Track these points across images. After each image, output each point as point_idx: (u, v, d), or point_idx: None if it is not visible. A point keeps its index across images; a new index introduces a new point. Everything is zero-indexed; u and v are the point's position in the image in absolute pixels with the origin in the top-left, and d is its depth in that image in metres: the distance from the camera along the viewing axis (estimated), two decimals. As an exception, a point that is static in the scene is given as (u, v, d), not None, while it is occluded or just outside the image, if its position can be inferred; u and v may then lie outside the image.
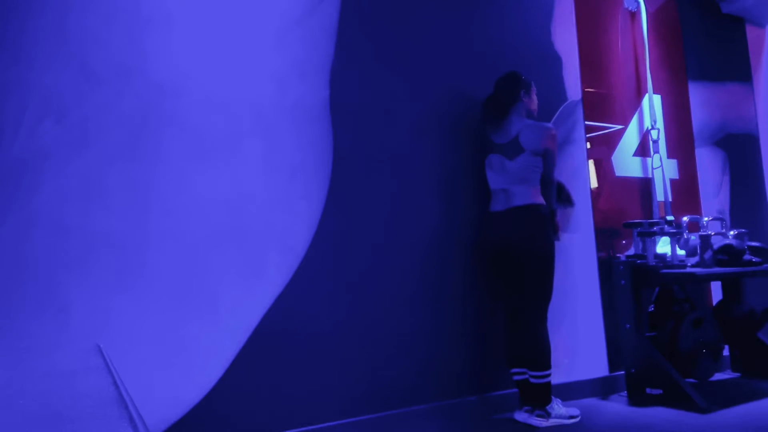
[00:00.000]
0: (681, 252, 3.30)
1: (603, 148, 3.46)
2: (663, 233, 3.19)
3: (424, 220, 2.73)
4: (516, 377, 2.68)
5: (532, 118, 2.77)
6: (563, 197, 3.06)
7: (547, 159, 2.67)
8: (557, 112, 3.23)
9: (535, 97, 2.81)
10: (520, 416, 2.62)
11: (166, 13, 2.26)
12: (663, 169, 3.61)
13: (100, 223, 2.07)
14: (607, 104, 3.51)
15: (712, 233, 3.30)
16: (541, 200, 2.65)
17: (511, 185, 2.65)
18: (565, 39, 3.36)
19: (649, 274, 3.06)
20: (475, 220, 2.86)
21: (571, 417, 2.62)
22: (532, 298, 2.61)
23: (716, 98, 4.14)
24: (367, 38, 2.69)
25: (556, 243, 2.70)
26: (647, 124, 3.66)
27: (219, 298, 2.23)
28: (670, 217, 3.45)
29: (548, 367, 2.57)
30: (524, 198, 2.63)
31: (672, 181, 3.71)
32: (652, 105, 3.67)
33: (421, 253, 2.70)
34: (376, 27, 2.72)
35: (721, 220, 3.63)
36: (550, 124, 2.74)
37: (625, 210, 3.47)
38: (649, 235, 3.14)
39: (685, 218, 3.39)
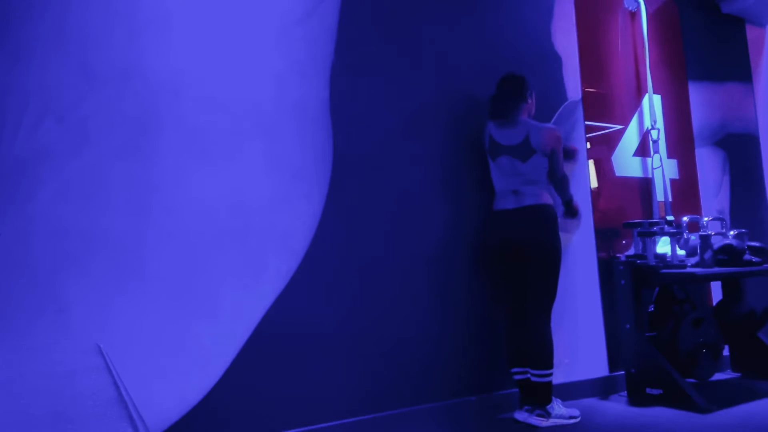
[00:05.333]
0: (681, 252, 3.30)
1: (603, 148, 3.46)
2: (663, 233, 3.19)
3: (424, 220, 2.73)
4: (517, 377, 2.68)
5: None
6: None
7: (554, 158, 2.70)
8: (557, 112, 3.23)
9: (534, 99, 2.83)
10: (520, 416, 2.62)
11: (166, 13, 2.26)
12: (663, 169, 3.61)
13: (100, 223, 2.07)
14: (607, 104, 3.51)
15: (712, 233, 3.30)
16: (550, 201, 2.68)
17: (523, 186, 2.67)
18: (565, 39, 3.36)
19: (649, 274, 3.06)
20: (478, 219, 2.86)
21: (571, 417, 2.62)
22: (539, 296, 2.62)
23: (716, 98, 4.14)
24: (367, 38, 2.69)
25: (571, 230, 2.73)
26: (647, 124, 3.66)
27: (219, 298, 2.23)
28: (670, 217, 3.45)
29: (550, 366, 2.57)
30: (535, 198, 2.64)
31: (672, 181, 3.71)
32: (652, 105, 3.67)
33: (422, 253, 2.70)
34: (376, 27, 2.72)
35: (721, 220, 3.62)
36: (554, 126, 2.77)
37: (625, 210, 3.47)
38: (649, 235, 3.14)
39: (685, 218, 3.39)
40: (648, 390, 3.05)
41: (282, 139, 2.43)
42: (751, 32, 4.51)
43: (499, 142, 2.73)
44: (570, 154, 3.12)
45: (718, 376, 3.41)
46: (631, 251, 3.37)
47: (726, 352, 3.53)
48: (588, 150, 3.37)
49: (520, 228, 2.64)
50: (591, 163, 3.38)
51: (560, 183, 2.77)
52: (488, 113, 2.79)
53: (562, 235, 2.78)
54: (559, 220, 2.72)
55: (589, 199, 3.31)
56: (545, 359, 2.56)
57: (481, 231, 2.85)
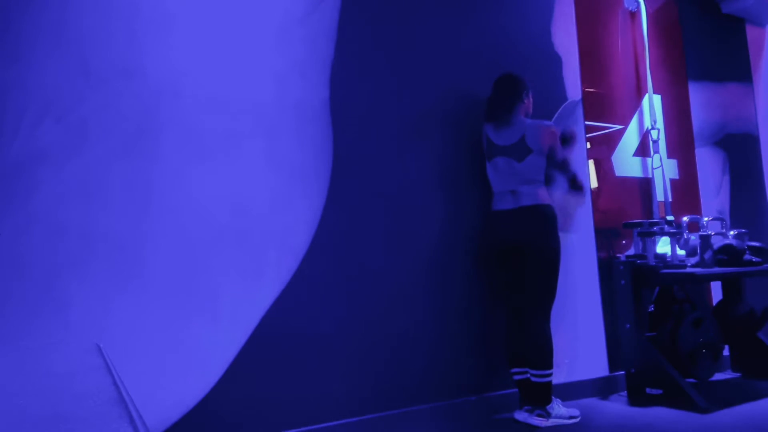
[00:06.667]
0: (681, 252, 3.30)
1: (603, 148, 3.46)
2: (663, 233, 3.19)
3: (424, 220, 2.73)
4: (516, 377, 2.68)
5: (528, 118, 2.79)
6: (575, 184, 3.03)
7: (554, 154, 2.71)
8: (557, 112, 3.23)
9: (531, 99, 2.83)
10: (520, 416, 2.62)
11: (166, 12, 2.26)
12: (663, 169, 3.61)
13: (100, 223, 2.06)
14: (607, 104, 3.51)
15: (712, 233, 3.30)
16: (548, 200, 2.68)
17: (520, 186, 2.67)
18: (565, 39, 3.36)
19: (649, 274, 3.06)
20: (477, 219, 2.86)
21: (571, 417, 2.62)
22: (538, 296, 2.62)
23: (716, 98, 4.14)
24: (367, 38, 2.69)
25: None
26: (647, 124, 3.66)
27: (219, 298, 2.23)
28: (670, 217, 3.45)
29: (550, 366, 2.57)
30: (533, 198, 2.64)
31: (672, 181, 3.71)
32: (652, 105, 3.67)
33: (422, 253, 2.70)
34: (376, 27, 2.72)
35: (721, 220, 3.62)
36: (549, 122, 2.77)
37: (625, 210, 3.47)
38: (649, 235, 3.14)
39: (685, 218, 3.39)
40: (648, 390, 3.05)
41: (282, 139, 2.43)
42: (751, 32, 4.50)
43: (495, 142, 2.73)
44: (568, 139, 3.04)
45: (718, 376, 3.42)
46: (631, 251, 3.37)
47: (726, 352, 3.53)
48: (588, 150, 3.37)
49: (519, 228, 2.64)
50: (591, 163, 3.38)
51: (562, 166, 2.76)
52: (484, 115, 2.80)
53: (562, 235, 2.78)
54: (559, 218, 2.73)
55: (589, 199, 3.31)
56: (545, 359, 2.56)
57: (480, 231, 2.85)
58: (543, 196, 2.67)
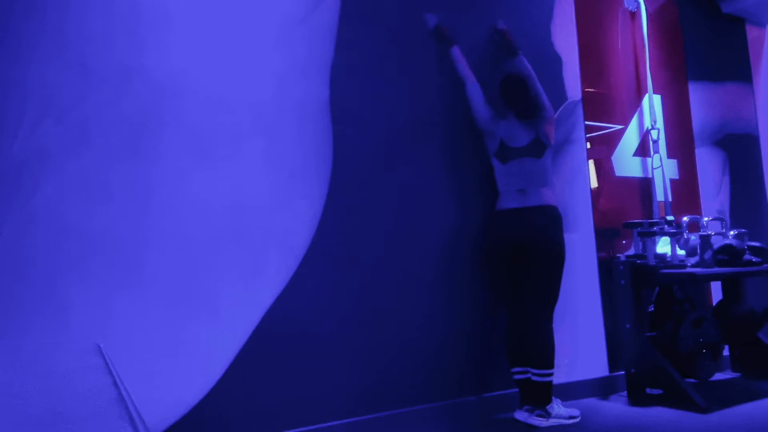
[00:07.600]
0: (681, 252, 3.30)
1: (603, 148, 3.46)
2: (663, 233, 3.19)
3: (424, 220, 2.73)
4: (517, 376, 2.68)
5: None
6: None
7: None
8: (557, 112, 3.23)
9: None
10: (520, 416, 2.62)
11: (166, 12, 2.26)
12: (663, 169, 3.61)
13: (100, 223, 2.06)
14: (607, 104, 3.51)
15: (712, 233, 3.30)
16: (554, 201, 2.70)
17: (528, 186, 2.68)
18: (565, 39, 3.36)
19: (649, 274, 3.06)
20: (478, 219, 2.85)
21: (571, 417, 2.62)
22: (542, 296, 2.62)
23: (716, 98, 4.13)
24: (368, 38, 2.69)
25: None
26: (647, 124, 3.66)
27: (219, 298, 2.23)
28: (670, 217, 3.45)
29: (551, 366, 2.57)
30: (540, 199, 2.66)
31: (672, 181, 3.71)
32: (652, 105, 3.67)
33: (422, 252, 2.70)
34: (377, 27, 2.72)
35: (721, 220, 3.62)
36: (550, 114, 2.79)
37: (625, 210, 3.47)
38: (649, 235, 3.14)
39: (685, 218, 3.39)
40: (648, 390, 3.05)
41: (282, 139, 2.43)
42: (751, 32, 4.50)
43: (510, 144, 2.73)
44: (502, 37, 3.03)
45: (718, 376, 3.41)
46: (631, 251, 3.37)
47: (726, 352, 3.53)
48: (588, 150, 3.37)
49: (527, 228, 2.64)
50: (591, 163, 3.38)
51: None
52: (513, 114, 2.79)
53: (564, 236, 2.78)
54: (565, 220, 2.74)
55: (589, 199, 3.31)
56: (547, 359, 2.56)
57: (484, 230, 2.84)
58: (549, 197, 2.69)
